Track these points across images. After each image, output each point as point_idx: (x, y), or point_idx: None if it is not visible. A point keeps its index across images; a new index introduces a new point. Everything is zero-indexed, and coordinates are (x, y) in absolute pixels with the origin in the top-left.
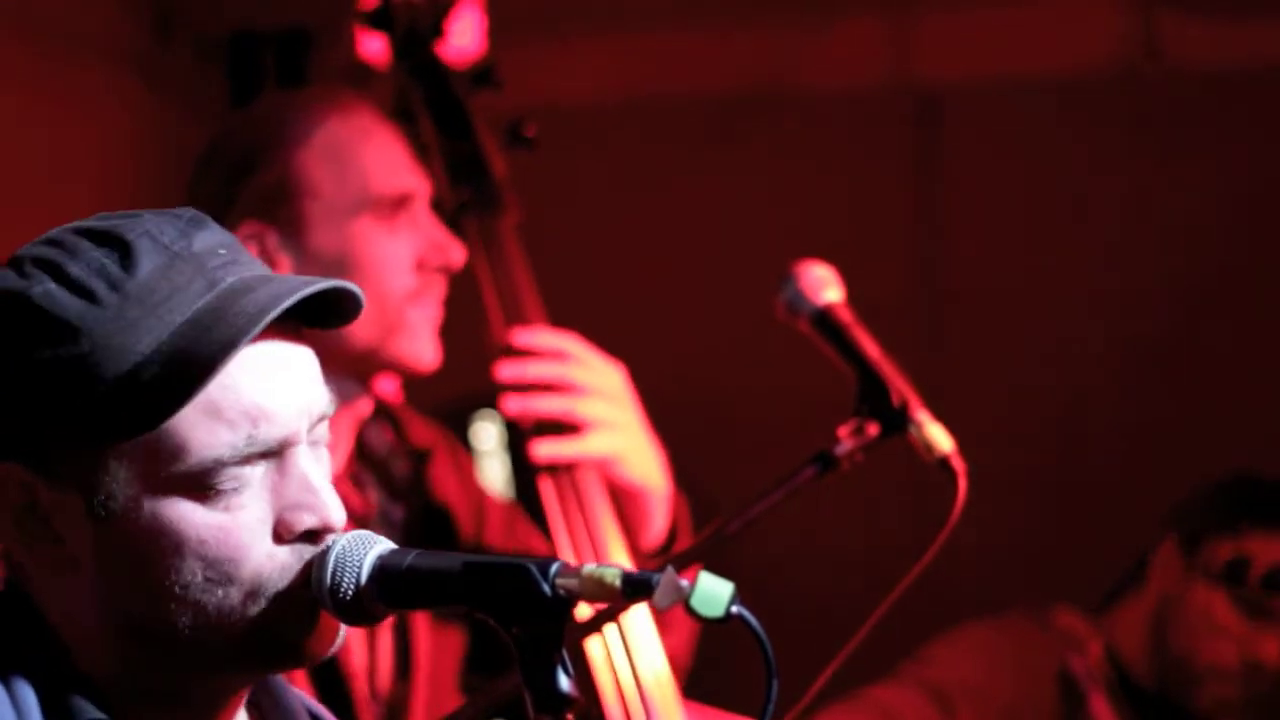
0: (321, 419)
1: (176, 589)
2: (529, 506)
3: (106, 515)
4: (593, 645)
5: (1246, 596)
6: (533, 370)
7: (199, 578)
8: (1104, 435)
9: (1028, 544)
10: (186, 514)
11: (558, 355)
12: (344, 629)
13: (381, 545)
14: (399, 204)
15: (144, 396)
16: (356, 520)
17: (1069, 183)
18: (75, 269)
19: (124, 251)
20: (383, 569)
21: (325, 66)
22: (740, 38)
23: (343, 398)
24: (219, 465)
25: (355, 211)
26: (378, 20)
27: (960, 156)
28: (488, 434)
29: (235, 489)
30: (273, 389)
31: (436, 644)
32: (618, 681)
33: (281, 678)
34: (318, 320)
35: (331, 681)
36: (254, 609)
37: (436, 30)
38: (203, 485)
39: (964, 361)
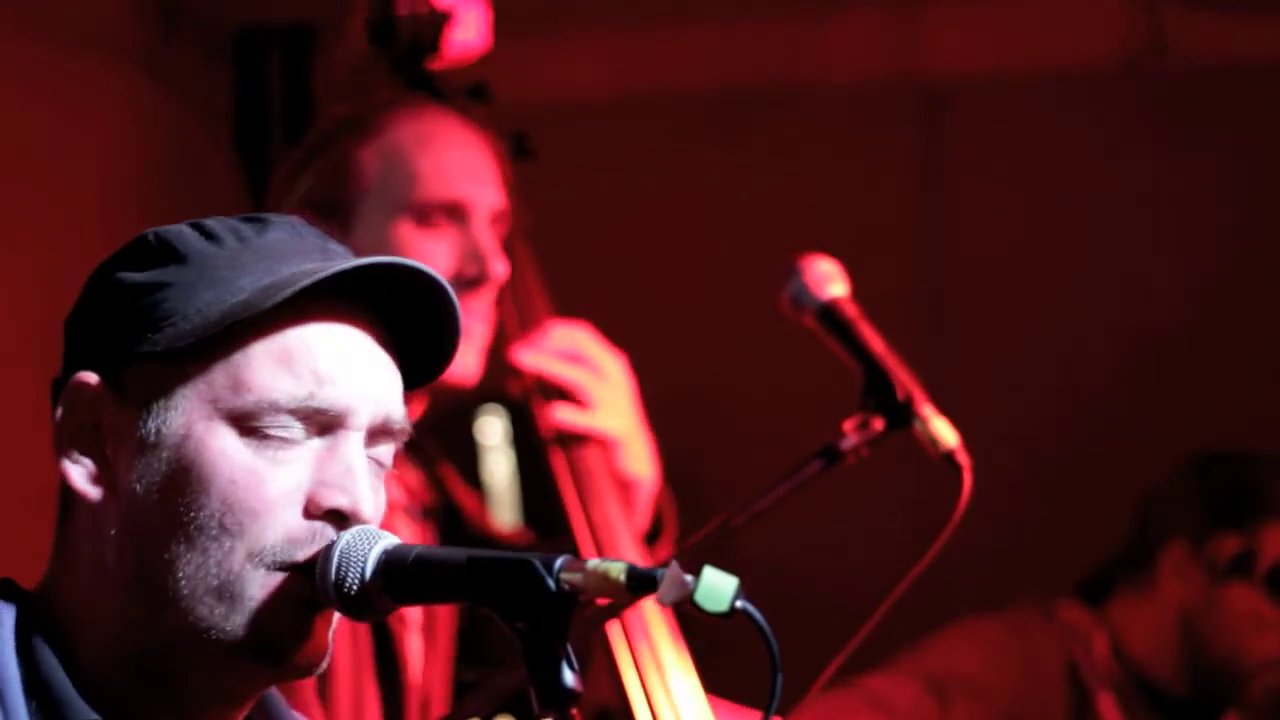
0: (387, 426)
1: (192, 527)
2: (535, 499)
3: (156, 439)
4: (617, 642)
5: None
6: (553, 340)
7: (215, 521)
8: (1106, 430)
9: (1029, 538)
10: (229, 450)
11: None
12: (328, 654)
13: (386, 539)
14: (445, 211)
15: (220, 313)
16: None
17: (1073, 178)
18: (213, 223)
19: (262, 223)
20: (388, 563)
21: (331, 62)
22: (742, 32)
23: None
24: (274, 408)
25: (396, 212)
26: (379, 37)
27: (964, 151)
28: (493, 429)
29: (283, 440)
30: (348, 365)
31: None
32: (643, 677)
33: (284, 703)
34: (418, 367)
35: (390, 666)
36: (250, 583)
37: (434, 45)
38: (253, 426)
39: (968, 356)
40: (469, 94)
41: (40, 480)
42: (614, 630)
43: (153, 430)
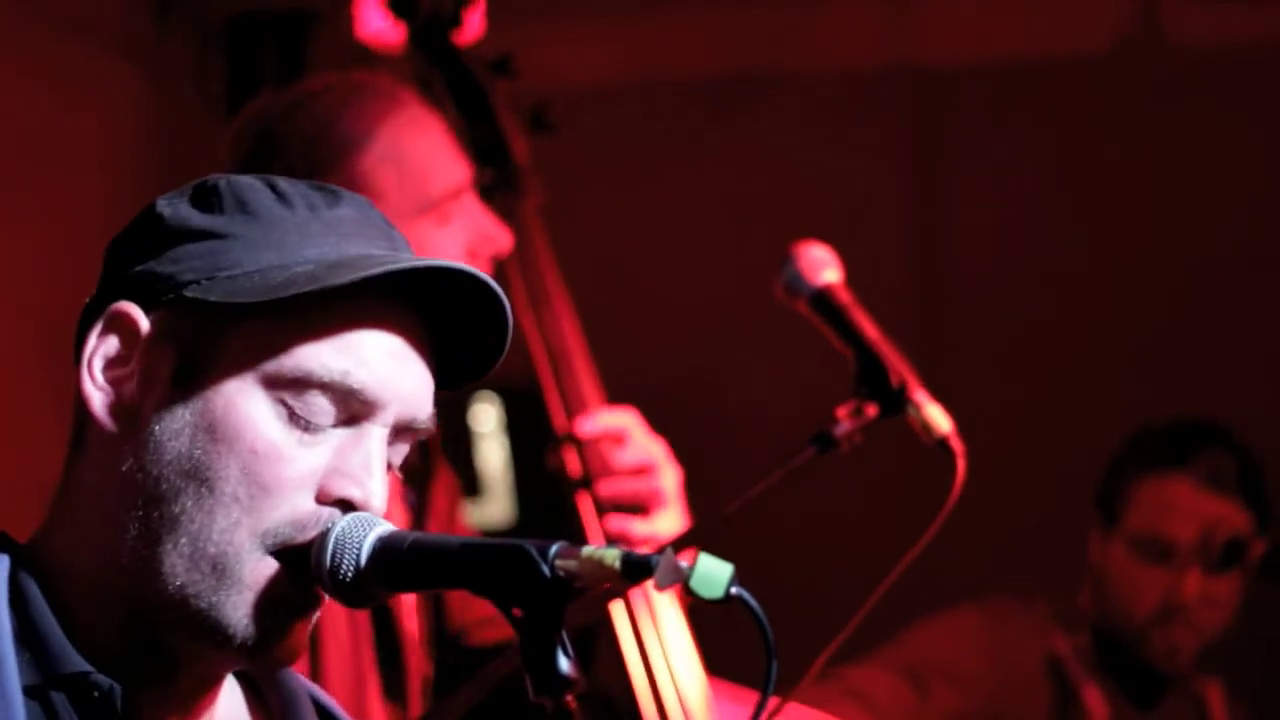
0: (412, 426)
1: (204, 487)
2: (528, 490)
3: (188, 388)
4: (622, 627)
5: (1147, 545)
6: (618, 461)
7: (230, 485)
8: (1102, 416)
9: (1024, 526)
10: (258, 415)
11: (622, 438)
12: (298, 656)
13: (382, 527)
14: (452, 198)
15: (281, 281)
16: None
17: (1068, 163)
18: (285, 185)
19: (333, 195)
20: (383, 550)
21: (325, 50)
22: (737, 18)
23: None
24: (309, 380)
25: (417, 213)
26: (400, 8)
27: (959, 137)
28: (487, 416)
29: (308, 425)
30: (388, 360)
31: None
32: (648, 663)
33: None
34: (454, 370)
35: (388, 634)
36: (245, 564)
37: (456, 18)
38: (286, 400)
39: (962, 341)
40: (493, 68)
41: (46, 466)
42: (618, 611)
43: (187, 377)
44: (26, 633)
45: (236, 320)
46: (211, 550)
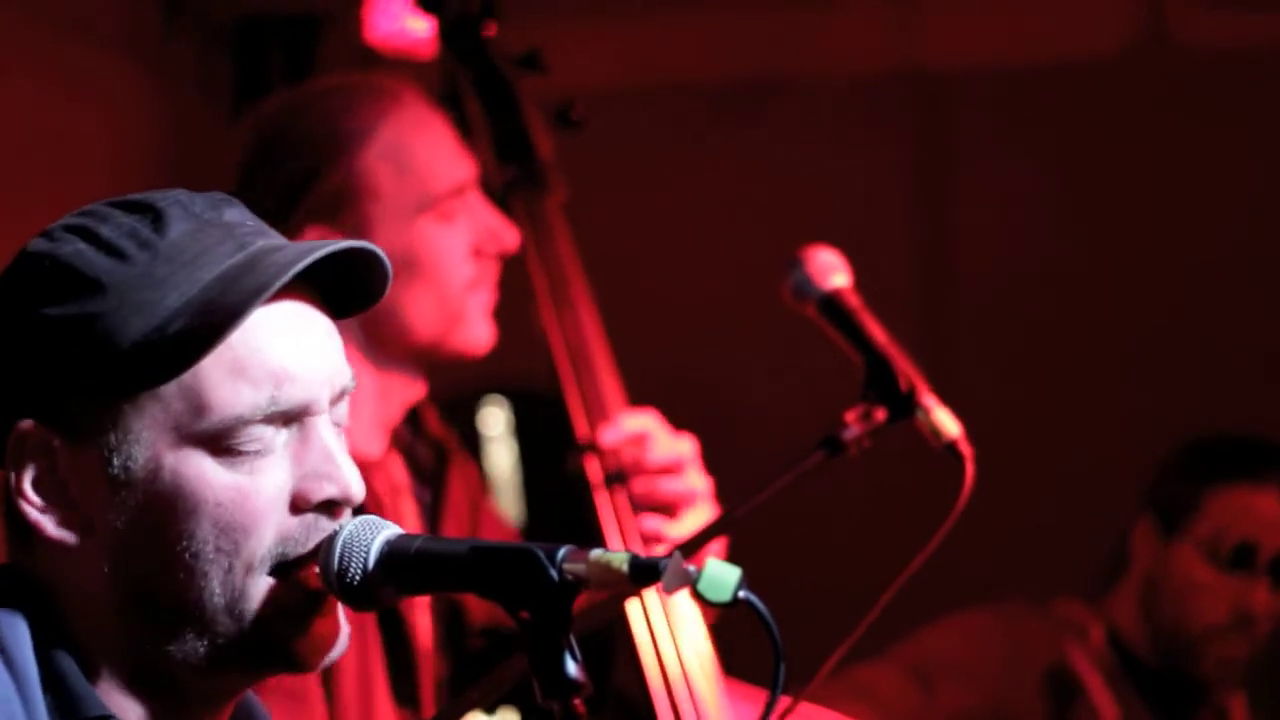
0: (343, 394)
1: (187, 556)
2: (537, 493)
3: (126, 476)
4: (637, 624)
5: (1223, 553)
6: (647, 461)
7: (210, 545)
8: (1107, 420)
9: (1032, 529)
10: (206, 474)
11: (646, 439)
12: (344, 637)
13: (389, 530)
14: (455, 196)
15: (168, 346)
16: (393, 494)
17: (1073, 167)
18: (106, 231)
19: (155, 216)
20: (391, 553)
21: (334, 53)
22: (744, 23)
23: (404, 383)
24: (240, 424)
25: (416, 211)
26: (429, 3)
27: (965, 141)
28: (496, 419)
29: (257, 452)
30: (299, 353)
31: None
32: (660, 660)
33: (264, 710)
34: (348, 300)
35: (400, 651)
36: (256, 594)
37: (487, 12)
38: (224, 445)
39: (965, 343)
40: (521, 62)
41: None
42: (633, 611)
43: (119, 467)
44: (50, 677)
45: (142, 399)
46: (223, 602)
